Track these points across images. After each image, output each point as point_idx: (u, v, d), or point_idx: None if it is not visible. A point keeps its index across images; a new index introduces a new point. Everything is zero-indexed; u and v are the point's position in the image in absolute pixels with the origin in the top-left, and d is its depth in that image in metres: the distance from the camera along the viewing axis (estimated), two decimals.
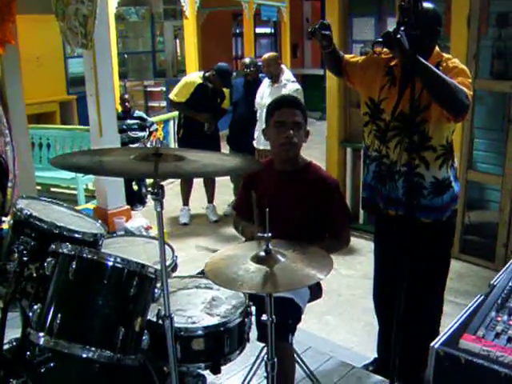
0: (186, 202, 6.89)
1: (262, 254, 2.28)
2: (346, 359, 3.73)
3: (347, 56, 3.23)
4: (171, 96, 6.69)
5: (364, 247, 5.59)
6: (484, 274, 5.02)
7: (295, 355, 2.98)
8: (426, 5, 2.72)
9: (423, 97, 2.78)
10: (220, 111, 6.69)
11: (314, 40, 2.96)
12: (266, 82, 6.31)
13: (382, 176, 3.04)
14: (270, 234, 2.28)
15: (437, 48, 2.93)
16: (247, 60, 6.88)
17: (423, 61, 2.60)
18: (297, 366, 2.98)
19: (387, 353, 2.82)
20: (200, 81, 6.49)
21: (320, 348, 3.83)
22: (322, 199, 2.90)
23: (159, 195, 2.11)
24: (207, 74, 6.55)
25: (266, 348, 2.44)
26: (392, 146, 2.95)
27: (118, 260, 2.30)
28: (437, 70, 2.66)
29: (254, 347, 2.88)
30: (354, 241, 5.81)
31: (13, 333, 2.72)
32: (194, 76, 6.83)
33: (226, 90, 6.67)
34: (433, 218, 2.99)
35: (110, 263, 2.29)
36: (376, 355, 3.57)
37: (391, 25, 6.83)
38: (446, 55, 2.94)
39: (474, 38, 4.99)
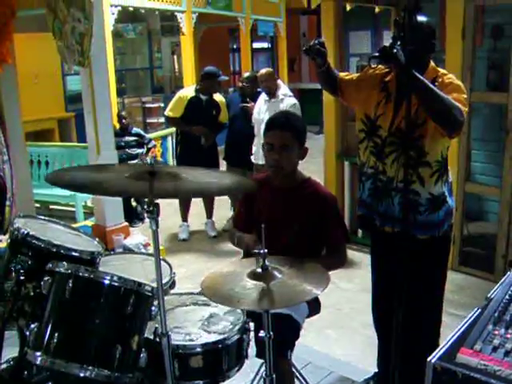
0: (184, 218, 6.89)
1: (259, 270, 2.28)
2: (347, 374, 3.72)
3: (341, 74, 3.23)
4: (166, 112, 6.73)
5: (363, 261, 5.57)
6: (484, 285, 4.99)
7: (295, 371, 2.97)
8: (421, 18, 2.73)
9: (420, 112, 2.77)
10: (217, 124, 6.70)
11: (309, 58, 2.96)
12: (262, 96, 6.32)
13: (378, 193, 3.03)
14: (266, 251, 2.28)
15: (432, 63, 2.93)
16: (245, 74, 6.95)
17: (419, 76, 2.61)
18: (297, 381, 2.97)
19: (387, 367, 2.81)
20: (193, 94, 6.52)
21: (320, 363, 3.82)
22: (319, 216, 2.89)
23: (154, 213, 2.11)
24: (198, 87, 6.58)
25: (264, 364, 2.43)
26: (389, 162, 2.95)
27: (115, 278, 2.30)
28: (432, 86, 2.66)
29: (253, 363, 2.87)
30: (353, 254, 5.80)
31: (10, 352, 2.71)
32: (186, 90, 6.87)
33: (221, 102, 6.69)
34: (429, 235, 2.99)
35: (107, 282, 2.29)
36: (376, 369, 3.55)
37: (387, 38, 6.87)
38: (441, 70, 2.94)
39: (469, 50, 5.00)
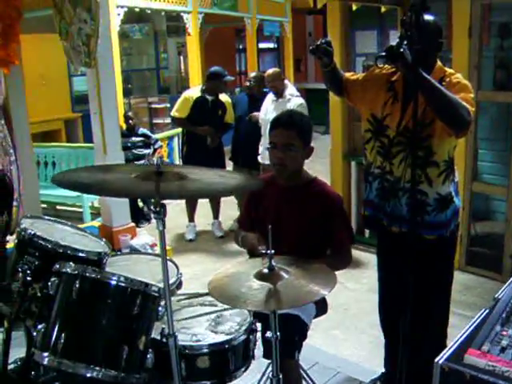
0: (191, 219, 6.90)
1: (266, 270, 2.28)
2: (354, 374, 3.71)
3: (347, 74, 3.21)
4: (172, 113, 6.74)
5: (370, 261, 5.56)
6: (491, 285, 4.99)
7: (302, 371, 2.97)
8: (427, 17, 2.71)
9: (428, 111, 2.76)
10: (223, 124, 6.70)
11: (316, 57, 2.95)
12: (270, 97, 6.32)
13: (386, 193, 3.02)
14: (273, 251, 2.27)
15: (439, 63, 2.92)
16: (252, 74, 6.97)
17: (426, 75, 2.60)
18: (304, 382, 2.97)
19: (394, 367, 2.80)
20: (198, 94, 6.53)
21: (327, 363, 3.81)
22: (324, 215, 2.89)
23: (161, 214, 2.11)
24: (204, 87, 6.59)
25: (271, 365, 2.43)
26: (396, 162, 2.93)
27: (122, 279, 2.30)
28: (439, 85, 2.65)
29: (260, 364, 2.87)
30: (360, 255, 5.79)
31: (18, 352, 2.72)
32: (192, 90, 6.89)
33: (227, 102, 6.69)
34: (437, 234, 2.97)
35: (114, 282, 2.29)
36: (383, 370, 3.54)
37: (393, 38, 6.85)
38: (448, 70, 2.93)
39: (475, 49, 4.99)
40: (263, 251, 2.35)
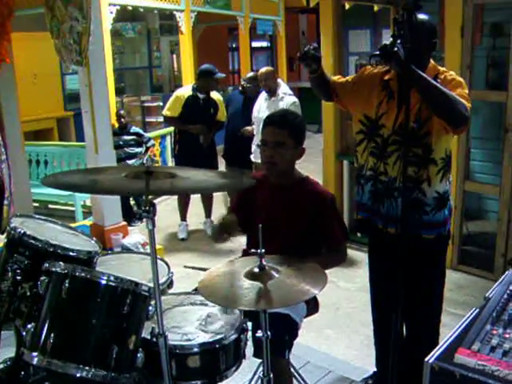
0: (183, 218, 6.87)
1: (256, 270, 2.27)
2: (345, 373, 3.71)
3: (334, 77, 3.20)
4: (164, 112, 6.72)
5: (362, 260, 5.55)
6: (483, 284, 5.00)
7: (293, 370, 2.96)
8: (421, 16, 2.71)
9: (423, 109, 2.76)
10: (215, 122, 6.68)
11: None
12: (262, 95, 6.32)
13: (379, 194, 2.99)
14: (263, 250, 2.27)
15: (432, 61, 2.92)
16: (248, 74, 6.95)
17: (421, 73, 2.60)
18: (295, 381, 2.96)
19: (386, 366, 2.80)
20: (190, 93, 6.50)
21: (319, 362, 3.81)
22: (317, 213, 2.88)
23: (150, 213, 2.10)
24: (195, 85, 6.58)
25: (262, 364, 2.42)
26: (391, 161, 2.91)
27: (111, 278, 2.29)
28: (435, 82, 2.65)
29: (252, 363, 2.86)
30: (353, 253, 5.78)
31: (7, 352, 2.71)
32: (184, 89, 6.86)
33: (218, 100, 6.68)
34: (436, 234, 2.97)
35: (103, 281, 2.28)
36: (375, 369, 3.54)
37: (386, 36, 6.85)
38: (441, 68, 2.93)
39: (467, 49, 4.99)
40: (253, 250, 2.34)
